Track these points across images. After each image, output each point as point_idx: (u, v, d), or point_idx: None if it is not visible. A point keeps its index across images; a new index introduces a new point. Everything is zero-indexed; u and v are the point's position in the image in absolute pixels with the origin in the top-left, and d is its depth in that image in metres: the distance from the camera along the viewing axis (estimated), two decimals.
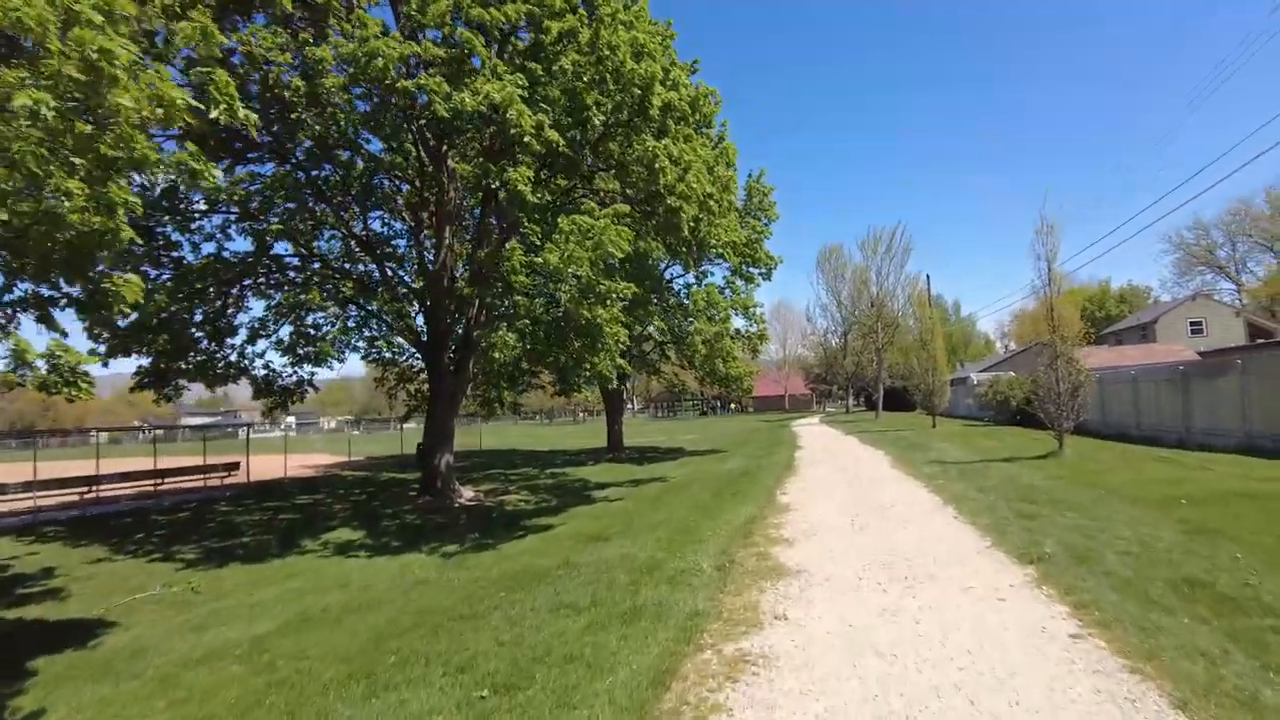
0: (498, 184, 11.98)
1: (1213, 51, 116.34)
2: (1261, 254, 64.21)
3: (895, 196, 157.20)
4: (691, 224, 14.04)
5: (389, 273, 18.64)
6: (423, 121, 14.70)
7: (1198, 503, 9.70)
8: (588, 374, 13.54)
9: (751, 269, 29.20)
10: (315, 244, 19.41)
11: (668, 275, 30.49)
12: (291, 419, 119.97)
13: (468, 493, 19.21)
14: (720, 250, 16.68)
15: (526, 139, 11.19)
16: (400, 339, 21.92)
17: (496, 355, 12.29)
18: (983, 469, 15.47)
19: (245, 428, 33.57)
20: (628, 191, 14.75)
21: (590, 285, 11.31)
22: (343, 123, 11.76)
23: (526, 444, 43.32)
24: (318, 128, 11.73)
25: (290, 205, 17.56)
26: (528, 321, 12.15)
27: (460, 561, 10.89)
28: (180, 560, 12.93)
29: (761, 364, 76.96)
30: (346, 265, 20.69)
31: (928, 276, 43.10)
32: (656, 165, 12.38)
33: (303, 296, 16.70)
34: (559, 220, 11.83)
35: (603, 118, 12.40)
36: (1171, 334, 51.64)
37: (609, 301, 11.71)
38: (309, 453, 42.33)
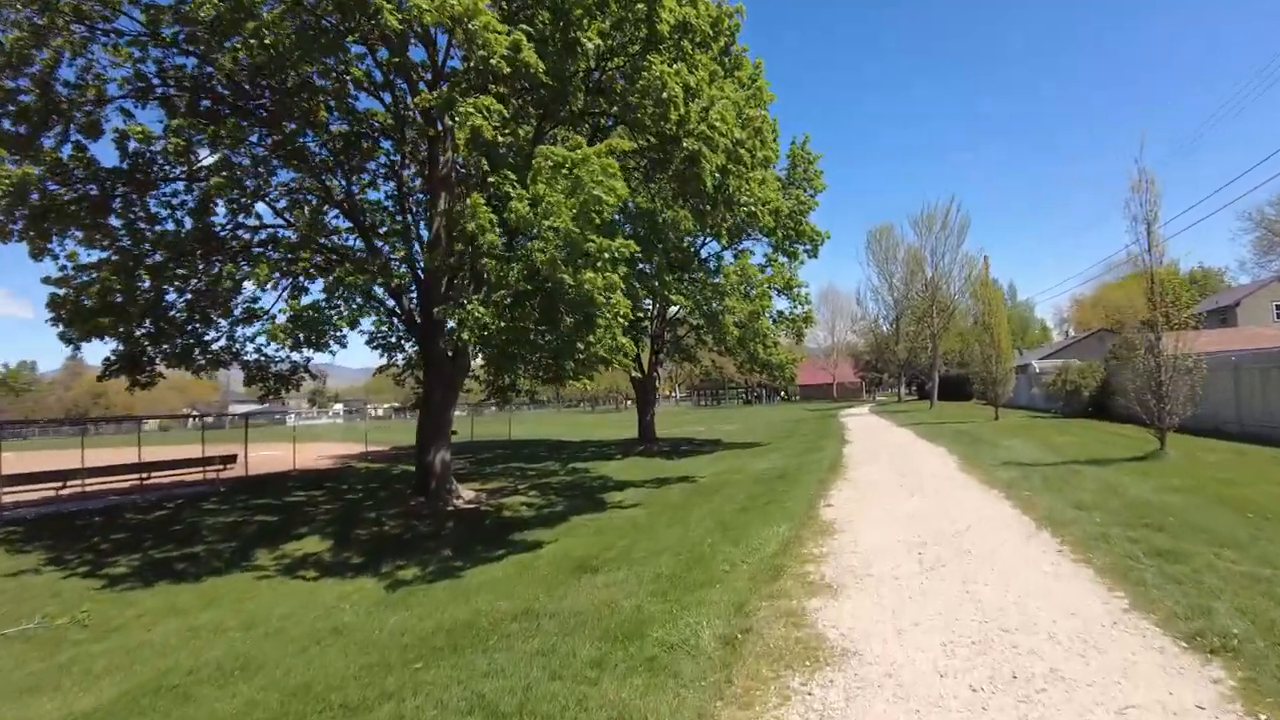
0: (453, 120, 9.60)
1: None
2: None
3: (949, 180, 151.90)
4: (715, 176, 11.39)
5: (376, 245, 16.49)
6: (396, 60, 12.44)
7: None
8: (582, 356, 11.08)
9: (795, 244, 26.34)
10: (313, 215, 17.41)
11: (704, 253, 27.92)
12: (339, 406, 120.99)
13: (468, 493, 17.07)
14: (753, 210, 13.90)
15: (495, 61, 8.75)
16: (398, 321, 19.84)
17: (466, 336, 9.92)
18: (1071, 474, 12.59)
19: (244, 417, 32.08)
20: (640, 142, 12.25)
21: (575, 243, 8.83)
22: (268, 42, 9.53)
23: (560, 433, 41.39)
24: (243, 53, 9.59)
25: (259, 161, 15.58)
26: (505, 292, 9.80)
27: (406, 596, 8.66)
28: (106, 576, 11.04)
29: (809, 351, 73.90)
30: (341, 241, 18.65)
31: (986, 257, 39.18)
32: (665, 95, 9.79)
33: (247, 267, 14.60)
34: (534, 159, 9.36)
35: (597, 41, 9.86)
36: (1255, 317, 47.18)
37: (600, 263, 9.21)
38: (335, 442, 41.23)
